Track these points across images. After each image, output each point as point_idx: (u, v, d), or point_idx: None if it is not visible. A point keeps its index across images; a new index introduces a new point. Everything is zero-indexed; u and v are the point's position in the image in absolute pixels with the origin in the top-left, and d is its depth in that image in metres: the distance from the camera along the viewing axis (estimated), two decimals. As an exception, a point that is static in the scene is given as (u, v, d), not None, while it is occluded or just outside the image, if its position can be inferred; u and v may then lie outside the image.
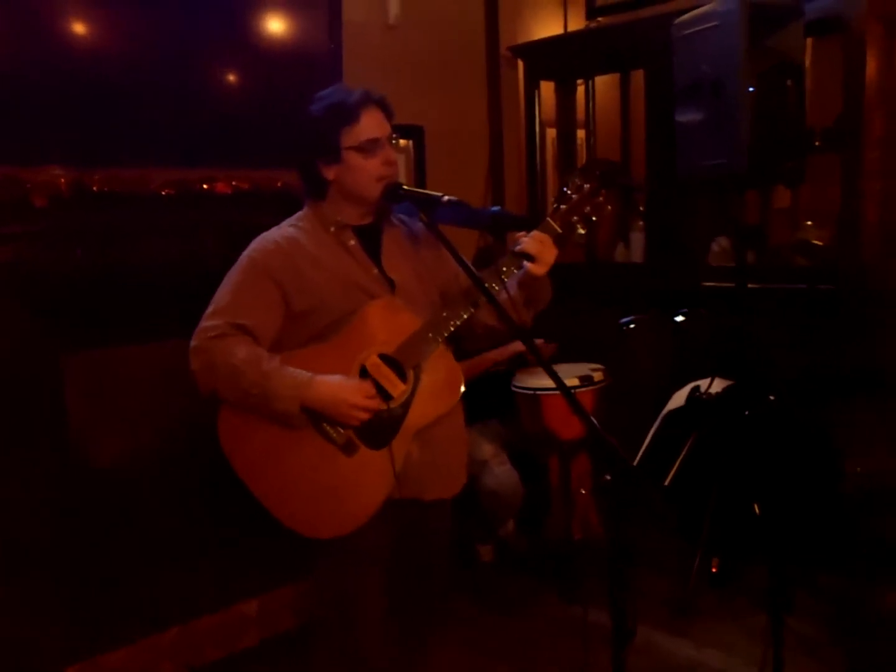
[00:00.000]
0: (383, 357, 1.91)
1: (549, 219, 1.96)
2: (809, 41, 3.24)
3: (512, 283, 1.97)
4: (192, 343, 1.90)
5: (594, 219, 1.97)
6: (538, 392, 3.24)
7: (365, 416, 1.87)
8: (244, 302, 1.91)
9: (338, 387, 1.86)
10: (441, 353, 1.94)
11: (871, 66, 3.20)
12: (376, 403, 1.87)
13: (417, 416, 1.92)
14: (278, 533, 1.91)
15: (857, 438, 2.87)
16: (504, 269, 1.93)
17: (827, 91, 3.41)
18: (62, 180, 2.68)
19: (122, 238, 2.87)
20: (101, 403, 2.85)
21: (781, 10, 2.96)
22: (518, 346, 3.48)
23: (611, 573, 1.82)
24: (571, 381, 3.17)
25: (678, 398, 2.54)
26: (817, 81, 3.43)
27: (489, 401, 3.47)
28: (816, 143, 3.32)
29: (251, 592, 3.10)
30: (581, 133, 4.46)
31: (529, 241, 1.93)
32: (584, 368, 3.33)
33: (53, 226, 2.70)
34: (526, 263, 1.93)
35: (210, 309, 1.93)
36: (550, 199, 4.48)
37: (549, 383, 3.04)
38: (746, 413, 2.50)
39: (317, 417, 1.88)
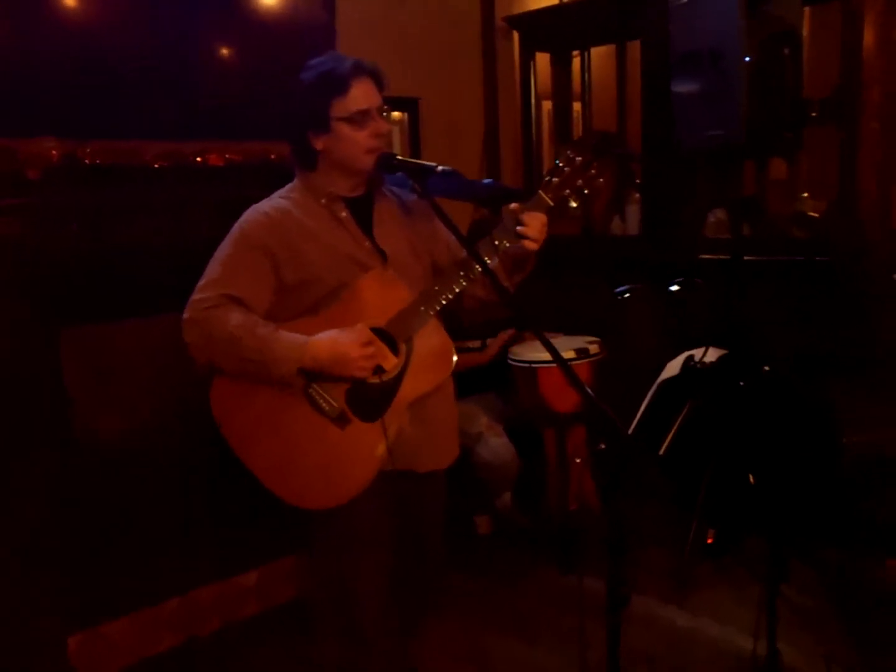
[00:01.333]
0: (375, 330, 1.90)
1: (540, 192, 1.95)
2: (807, 10, 3.20)
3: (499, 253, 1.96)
4: (185, 315, 1.89)
5: (586, 192, 1.95)
6: (534, 365, 3.25)
7: (365, 364, 1.86)
8: (236, 273, 1.90)
9: (334, 339, 1.85)
10: (433, 326, 1.94)
11: (869, 36, 3.17)
12: (374, 350, 1.86)
13: (410, 388, 1.92)
14: (276, 505, 1.92)
15: (854, 410, 2.87)
16: (497, 241, 1.92)
17: (825, 61, 3.39)
18: (54, 152, 2.66)
19: (117, 212, 2.85)
20: (99, 377, 2.85)
21: (779, -23, 2.92)
22: (499, 341, 3.48)
23: (607, 540, 1.83)
24: (568, 354, 3.17)
25: (672, 367, 2.54)
26: (815, 51, 3.40)
27: (485, 373, 3.48)
28: (814, 115, 3.29)
29: (250, 564, 3.12)
30: (577, 105, 4.43)
31: (530, 223, 1.90)
32: (580, 341, 3.33)
33: (48, 199, 2.68)
34: (521, 241, 1.92)
35: (202, 281, 1.92)
36: (546, 170, 4.46)
37: (545, 356, 3.07)
38: (741, 383, 2.50)
39: (310, 388, 1.88)
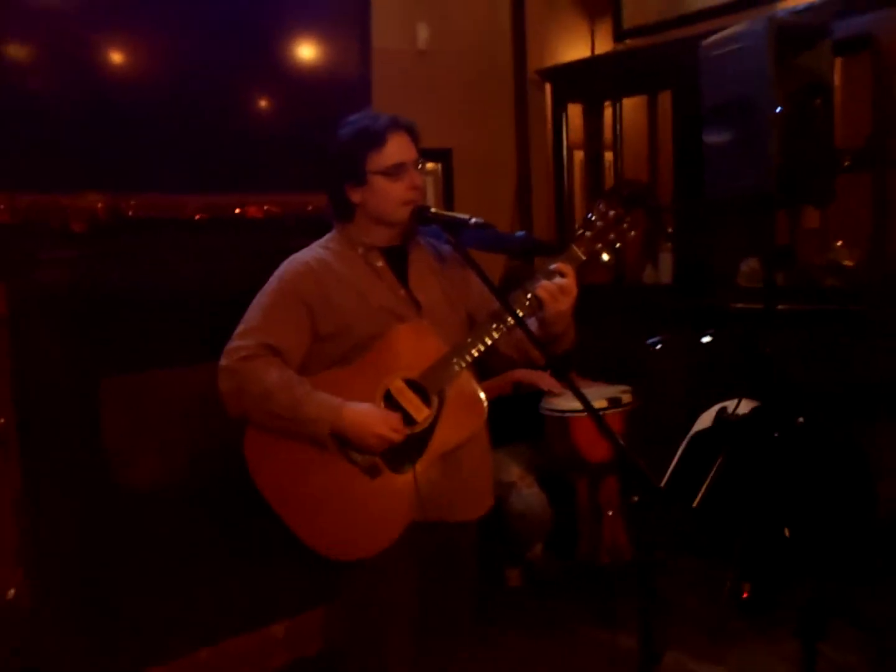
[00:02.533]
0: (408, 381, 1.92)
1: (573, 246, 1.96)
2: (838, 60, 3.22)
3: (533, 322, 1.96)
4: (222, 363, 1.93)
5: (618, 245, 1.96)
6: (567, 414, 3.24)
7: (387, 445, 1.88)
8: (274, 323, 1.93)
9: (366, 415, 1.88)
10: (465, 379, 1.94)
11: (901, 86, 3.18)
12: (401, 435, 1.89)
13: (441, 440, 1.92)
14: (306, 556, 1.92)
15: (890, 460, 2.82)
16: (530, 294, 1.93)
17: (857, 111, 3.39)
18: (99, 205, 2.74)
19: (158, 263, 2.92)
20: (136, 426, 2.89)
21: (810, 30, 2.95)
22: (543, 382, 3.45)
23: (638, 597, 1.81)
24: (600, 403, 3.16)
25: (705, 419, 2.52)
26: (847, 101, 3.41)
27: (517, 423, 3.47)
28: (846, 164, 3.29)
29: (279, 615, 3.11)
30: (609, 155, 4.47)
31: (542, 289, 1.90)
32: (612, 390, 3.31)
33: (92, 251, 2.75)
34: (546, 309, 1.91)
35: (240, 328, 1.96)
36: (579, 221, 4.49)
37: (578, 405, 3.06)
38: (776, 435, 2.47)
39: (343, 441, 1.90)
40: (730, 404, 2.48)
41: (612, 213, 1.94)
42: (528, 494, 3.39)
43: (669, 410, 3.45)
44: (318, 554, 1.91)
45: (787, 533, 2.52)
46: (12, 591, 2.59)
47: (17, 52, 2.62)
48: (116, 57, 2.84)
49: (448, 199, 4.09)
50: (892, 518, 2.72)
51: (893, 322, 3.17)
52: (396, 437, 1.88)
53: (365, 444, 1.88)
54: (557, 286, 1.90)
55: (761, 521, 2.62)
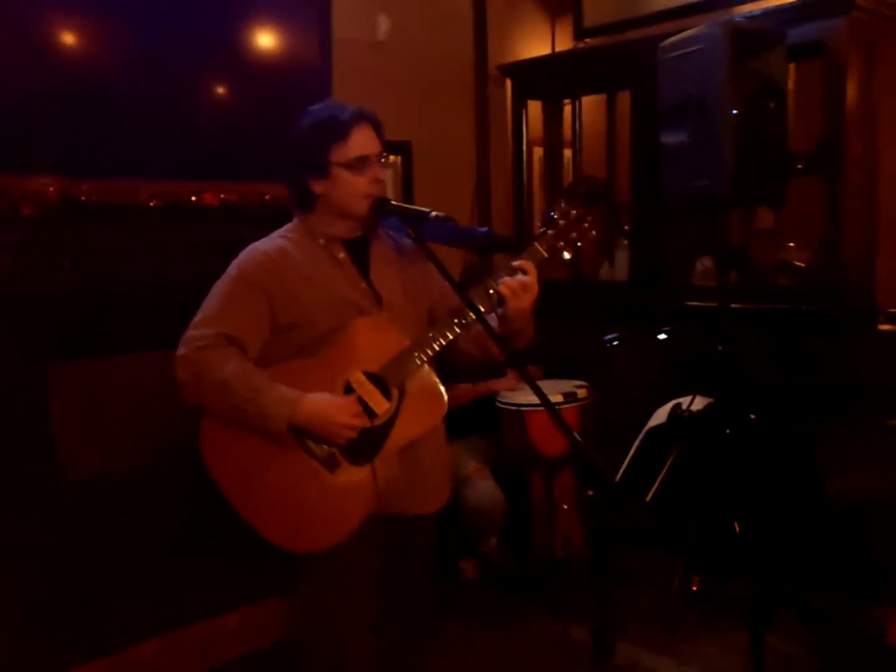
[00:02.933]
0: (368, 374, 1.91)
1: (535, 244, 1.97)
2: (792, 66, 3.29)
3: (493, 318, 1.96)
4: (179, 352, 1.90)
5: (579, 244, 1.98)
6: (522, 408, 3.26)
7: (350, 434, 1.88)
8: (232, 312, 1.91)
9: (325, 404, 1.86)
10: (425, 373, 1.94)
11: (852, 91, 3.26)
12: (361, 422, 1.88)
13: (401, 433, 1.92)
14: (261, 546, 1.91)
15: (841, 456, 2.89)
16: (491, 290, 1.93)
17: (809, 114, 3.46)
18: (51, 189, 2.68)
19: (110, 249, 2.87)
20: (85, 414, 2.84)
21: (765, 35, 3.00)
22: (502, 385, 3.49)
23: (592, 590, 1.83)
24: (556, 398, 3.19)
25: (660, 415, 2.55)
26: (800, 105, 3.48)
27: (473, 416, 3.48)
28: (799, 166, 3.36)
29: (232, 605, 3.08)
30: (567, 152, 4.50)
31: (505, 285, 1.91)
32: (568, 385, 3.34)
33: (42, 236, 2.70)
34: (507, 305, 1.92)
35: (198, 317, 1.93)
36: (537, 217, 4.52)
37: (534, 399, 3.09)
38: (728, 431, 2.52)
39: (301, 433, 1.89)
40: (684, 401, 2.52)
41: (573, 211, 1.96)
42: (484, 487, 3.41)
43: (624, 406, 3.48)
44: (276, 546, 1.90)
45: (736, 528, 2.57)
46: (-44, 584, 2.53)
47: (-34, 31, 2.56)
48: (70, 39, 2.79)
49: (407, 193, 4.08)
50: (840, 514, 2.78)
51: (844, 322, 3.25)
52: (358, 423, 1.87)
53: (325, 434, 1.87)
54: (520, 283, 1.91)
55: (712, 515, 2.67)
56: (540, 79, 4.41)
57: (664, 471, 2.37)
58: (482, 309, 1.90)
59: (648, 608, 3.21)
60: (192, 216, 3.05)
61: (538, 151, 4.60)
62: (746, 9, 3.62)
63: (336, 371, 1.91)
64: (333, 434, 1.87)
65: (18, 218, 2.63)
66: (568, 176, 4.50)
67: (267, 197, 3.17)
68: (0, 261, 2.65)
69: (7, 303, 2.65)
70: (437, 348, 1.92)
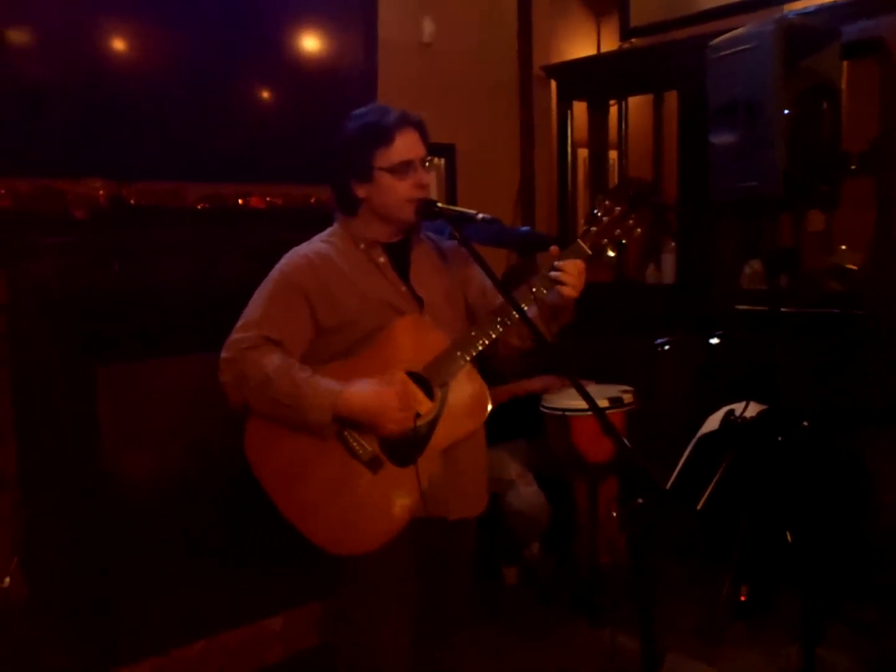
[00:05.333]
0: (411, 374, 1.90)
1: (579, 241, 1.95)
2: (845, 63, 3.21)
3: (532, 308, 1.94)
4: (224, 354, 1.91)
5: (624, 241, 1.95)
6: (567, 413, 3.22)
7: (397, 418, 1.85)
8: (275, 315, 1.92)
9: (371, 394, 1.85)
10: (468, 372, 1.93)
11: (909, 89, 3.17)
12: (408, 407, 1.86)
13: (444, 434, 1.91)
14: (304, 549, 1.91)
15: (890, 468, 2.81)
16: (534, 289, 1.92)
17: (863, 114, 3.38)
18: (101, 192, 2.73)
19: (158, 251, 2.90)
20: (132, 414, 2.88)
21: (818, 32, 2.94)
22: (537, 385, 3.46)
23: (638, 598, 1.79)
24: (601, 403, 3.13)
25: (712, 422, 2.50)
26: (854, 104, 3.39)
27: (516, 420, 3.46)
28: (852, 167, 3.28)
29: (276, 608, 3.10)
30: (613, 153, 4.45)
31: (566, 269, 1.89)
32: (613, 390, 3.30)
33: (92, 238, 2.74)
34: (558, 288, 1.92)
35: (241, 321, 1.94)
36: (581, 218, 4.48)
37: (578, 404, 3.05)
38: (780, 439, 2.46)
39: (344, 431, 1.88)
40: (737, 407, 2.47)
41: (617, 209, 1.93)
42: (527, 492, 3.38)
43: (670, 412, 3.44)
44: (319, 548, 1.90)
45: (788, 537, 2.51)
46: (7, 580, 2.58)
47: (20, 37, 2.61)
48: (120, 43, 2.83)
49: (451, 195, 4.07)
50: (888, 525, 2.71)
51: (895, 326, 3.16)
52: (405, 407, 1.85)
53: (372, 424, 1.85)
54: (573, 264, 1.89)
55: (762, 524, 2.62)
56: (585, 79, 4.37)
57: (716, 479, 2.32)
58: (525, 308, 1.88)
59: (693, 618, 3.15)
60: (239, 219, 3.08)
61: (583, 153, 4.56)
62: (799, 6, 3.55)
63: (379, 371, 1.89)
64: (379, 419, 1.84)
65: (69, 220, 2.67)
66: (613, 178, 4.46)
67: (312, 200, 3.19)
68: (51, 262, 2.69)
69: (57, 304, 2.69)
70: (480, 348, 1.91)
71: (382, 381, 1.86)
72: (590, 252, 1.94)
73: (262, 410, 1.89)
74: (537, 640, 3.21)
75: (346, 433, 1.89)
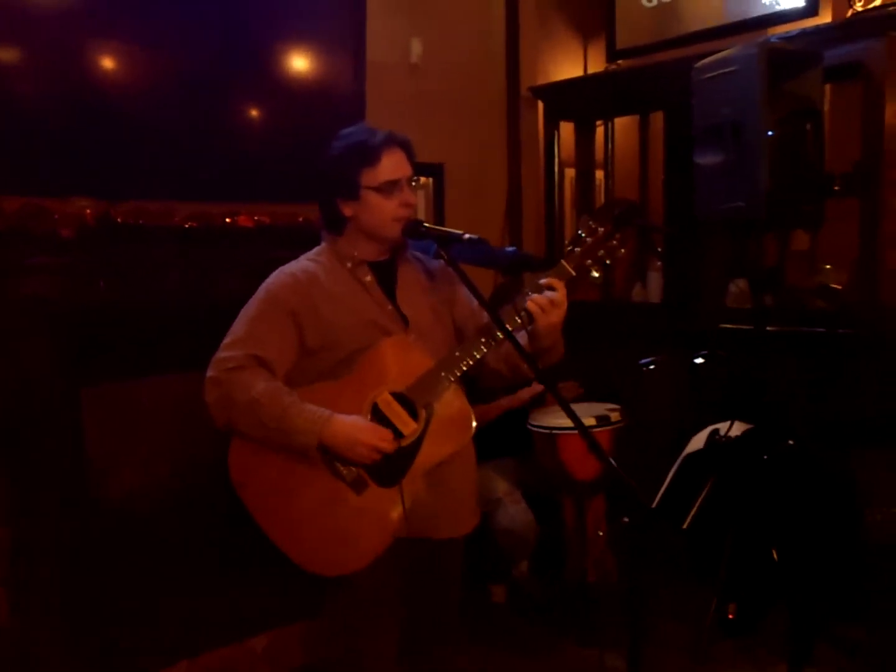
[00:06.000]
0: (395, 395, 1.91)
1: (563, 262, 1.96)
2: (828, 87, 3.25)
3: (522, 335, 1.95)
4: (209, 374, 1.91)
5: (608, 262, 1.97)
6: (554, 431, 3.22)
7: (376, 456, 1.87)
8: (261, 334, 1.92)
9: (354, 427, 1.87)
10: (453, 392, 1.94)
11: (890, 112, 3.21)
12: (390, 447, 1.88)
13: (428, 454, 1.91)
14: (288, 569, 1.90)
15: (879, 485, 2.83)
16: (521, 311, 1.93)
17: (846, 136, 3.42)
18: (88, 211, 2.72)
19: (145, 270, 2.90)
20: (118, 435, 2.86)
21: (801, 56, 2.98)
22: (529, 392, 3.48)
23: (627, 617, 1.79)
24: (588, 421, 3.14)
25: (697, 441, 2.51)
26: (836, 126, 3.44)
27: (504, 439, 3.46)
28: (835, 188, 3.32)
29: (260, 628, 3.07)
30: (600, 173, 4.48)
31: (533, 302, 1.90)
32: (600, 408, 3.30)
33: (79, 257, 2.73)
34: (533, 319, 1.91)
35: (227, 339, 1.94)
36: (568, 238, 4.49)
37: (566, 422, 3.06)
38: (765, 457, 2.47)
39: (328, 454, 1.88)
40: (722, 426, 2.48)
41: (600, 229, 1.95)
42: (515, 511, 3.38)
43: (657, 430, 3.44)
44: (303, 569, 1.89)
45: (774, 555, 2.52)
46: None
47: (6, 55, 2.61)
48: (107, 62, 2.83)
49: (439, 214, 4.09)
50: (878, 542, 2.71)
51: (881, 345, 3.19)
52: (387, 447, 1.87)
53: (354, 456, 1.87)
54: (548, 299, 1.90)
55: (749, 543, 2.62)
56: (572, 100, 4.41)
57: (701, 498, 2.33)
58: (511, 328, 1.89)
59: (682, 637, 3.14)
60: (227, 237, 3.07)
61: (570, 173, 4.59)
62: (782, 29, 3.60)
63: (363, 392, 1.91)
64: (360, 455, 1.86)
65: (56, 239, 2.66)
66: (600, 197, 4.48)
67: (300, 219, 3.19)
68: (38, 282, 2.68)
69: (43, 323, 2.68)
70: (464, 368, 1.91)
71: (363, 413, 1.89)
72: (573, 273, 1.95)
73: (248, 432, 1.89)
74: (525, 659, 3.20)
75: (330, 455, 1.89)
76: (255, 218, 3.11)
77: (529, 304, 1.89)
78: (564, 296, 1.92)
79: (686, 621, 3.19)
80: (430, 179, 4.07)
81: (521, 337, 1.94)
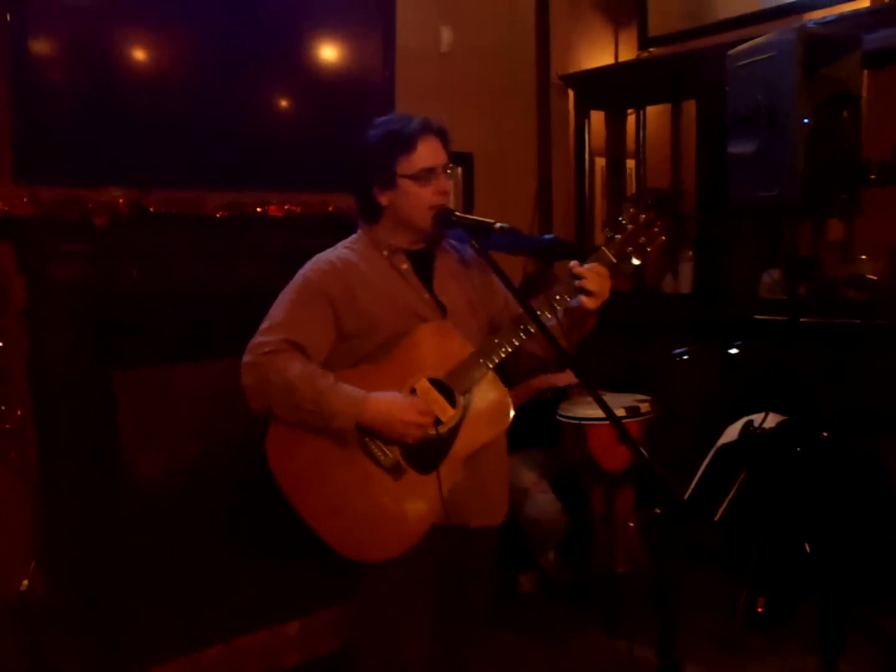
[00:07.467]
0: (433, 381, 1.90)
1: (603, 248, 1.95)
2: (866, 72, 3.19)
3: (559, 309, 1.96)
4: (246, 358, 1.92)
5: (649, 250, 1.95)
6: (584, 422, 3.21)
7: (417, 432, 1.86)
8: (298, 320, 1.92)
9: (392, 403, 1.86)
10: (491, 380, 1.93)
11: (931, 99, 3.16)
12: (429, 421, 1.86)
13: (466, 441, 1.91)
14: (322, 554, 1.91)
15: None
16: (557, 297, 1.92)
17: (884, 123, 3.36)
18: (121, 200, 2.75)
19: (177, 258, 2.92)
20: (149, 419, 2.89)
21: (839, 41, 2.93)
22: (561, 379, 3.47)
23: (657, 608, 1.78)
24: (618, 412, 3.10)
25: (731, 432, 2.49)
26: (874, 113, 3.38)
27: (532, 429, 3.43)
28: (872, 176, 3.26)
29: (293, 613, 3.10)
30: (631, 162, 4.45)
31: (590, 277, 1.89)
32: (630, 399, 3.29)
33: (112, 245, 2.76)
34: (581, 296, 1.91)
35: (264, 325, 1.95)
36: (598, 227, 4.47)
37: (595, 413, 3.04)
38: (799, 449, 2.45)
39: (366, 437, 1.89)
40: (757, 417, 2.45)
41: (642, 216, 1.93)
42: (543, 501, 3.38)
43: (687, 422, 3.42)
44: (339, 554, 1.89)
45: (807, 548, 2.49)
46: (25, 583, 2.59)
47: (41, 47, 2.64)
48: (140, 53, 2.85)
49: (468, 203, 4.08)
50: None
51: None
52: (425, 420, 1.85)
53: (392, 433, 1.86)
54: (595, 270, 1.89)
55: (780, 534, 2.60)
56: (603, 88, 4.37)
57: (734, 489, 2.31)
58: (549, 316, 1.89)
59: (712, 628, 3.12)
60: (258, 226, 3.09)
61: (600, 162, 4.55)
62: (819, 14, 3.54)
63: (401, 378, 1.90)
64: (399, 432, 1.85)
65: (90, 228, 2.69)
66: (631, 186, 4.45)
67: (331, 208, 3.19)
68: (71, 269, 2.72)
69: (77, 310, 2.71)
70: (503, 355, 1.90)
71: (407, 396, 1.88)
72: (614, 260, 1.94)
73: (284, 416, 1.89)
74: (553, 648, 3.20)
75: (367, 439, 1.89)
76: (286, 207, 3.12)
77: (583, 270, 1.88)
78: (608, 278, 1.91)
79: (717, 613, 3.18)
80: (460, 168, 4.05)
81: (560, 319, 1.93)
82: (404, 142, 1.93)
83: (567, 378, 3.44)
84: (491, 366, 1.91)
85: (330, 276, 1.95)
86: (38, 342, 2.67)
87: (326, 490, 1.90)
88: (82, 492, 2.71)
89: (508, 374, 2.10)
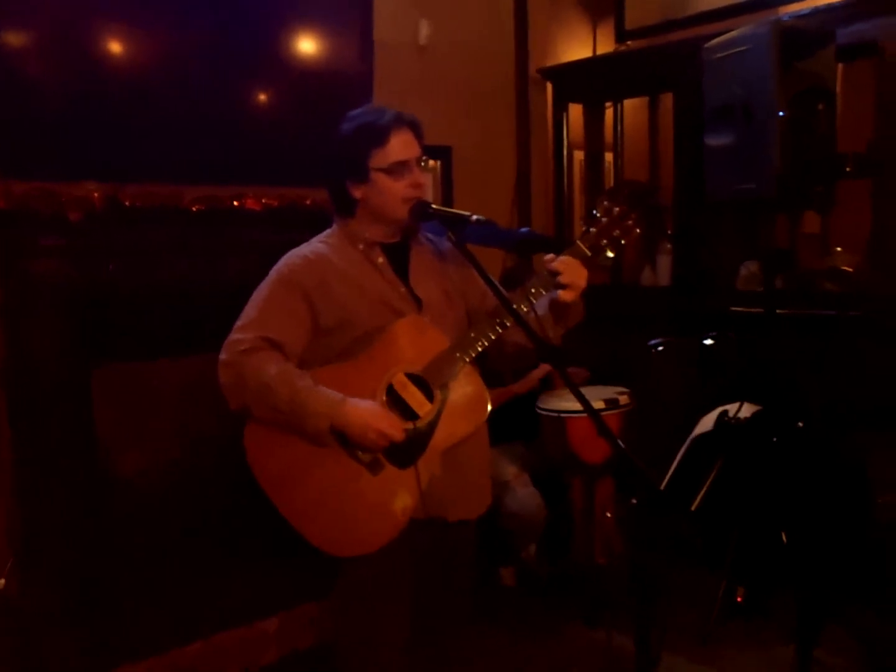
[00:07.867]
0: (410, 376, 1.90)
1: (578, 241, 1.96)
2: (840, 66, 3.22)
3: (542, 303, 1.96)
4: (222, 356, 1.91)
5: (623, 242, 1.96)
6: (563, 414, 3.22)
7: (386, 444, 1.86)
8: (274, 316, 1.92)
9: (367, 413, 1.86)
10: (468, 373, 1.93)
11: (904, 92, 3.18)
12: (400, 436, 1.87)
13: (444, 435, 1.91)
14: (300, 549, 1.90)
15: (889, 467, 2.82)
16: (533, 290, 1.93)
17: (858, 116, 3.39)
18: (96, 195, 2.72)
19: (153, 253, 2.90)
20: (128, 415, 2.87)
21: (813, 35, 2.95)
22: (539, 373, 3.48)
23: (635, 599, 1.80)
24: (597, 404, 3.14)
25: (706, 422, 2.51)
26: (848, 106, 3.40)
27: (512, 422, 3.45)
28: (847, 169, 3.29)
29: (272, 609, 3.09)
30: (609, 155, 4.46)
31: (564, 269, 1.90)
32: (609, 391, 3.30)
33: (87, 240, 2.73)
34: (558, 291, 1.91)
35: (240, 322, 1.94)
36: (577, 220, 4.49)
37: (574, 406, 3.05)
38: (774, 439, 2.47)
39: (343, 437, 1.88)
40: (731, 408, 2.47)
41: (616, 209, 1.94)
42: (523, 494, 3.39)
43: (666, 413, 3.44)
44: (318, 549, 1.89)
45: (783, 538, 2.51)
46: (2, 581, 2.57)
47: (15, 38, 2.60)
48: (115, 45, 2.82)
49: (447, 197, 4.08)
50: (888, 524, 2.71)
51: (892, 328, 3.17)
52: (397, 434, 1.86)
53: (365, 441, 1.86)
54: (569, 262, 1.90)
55: (757, 525, 2.62)
56: (581, 82, 4.38)
57: (710, 480, 2.33)
58: (525, 309, 1.89)
59: (690, 619, 3.15)
60: (235, 220, 3.07)
61: (579, 155, 4.57)
62: (793, 8, 3.56)
63: (378, 373, 1.90)
64: (371, 441, 1.86)
65: (64, 222, 2.66)
66: (609, 179, 4.47)
67: (308, 202, 3.17)
68: (46, 265, 2.69)
69: (52, 306, 2.69)
70: (479, 349, 1.91)
71: (378, 394, 1.88)
72: (589, 253, 1.95)
73: (261, 415, 1.89)
74: (534, 641, 3.21)
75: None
76: (263, 201, 3.10)
77: (557, 264, 1.89)
78: (583, 270, 1.91)
79: (694, 602, 3.21)
80: (439, 162, 4.05)
81: (542, 304, 1.94)
82: (377, 135, 1.92)
83: (542, 369, 3.45)
84: (468, 359, 1.91)
85: (304, 270, 1.94)
86: (14, 338, 2.65)
87: (305, 486, 1.90)
88: (60, 490, 2.69)
89: (495, 362, 2.11)
